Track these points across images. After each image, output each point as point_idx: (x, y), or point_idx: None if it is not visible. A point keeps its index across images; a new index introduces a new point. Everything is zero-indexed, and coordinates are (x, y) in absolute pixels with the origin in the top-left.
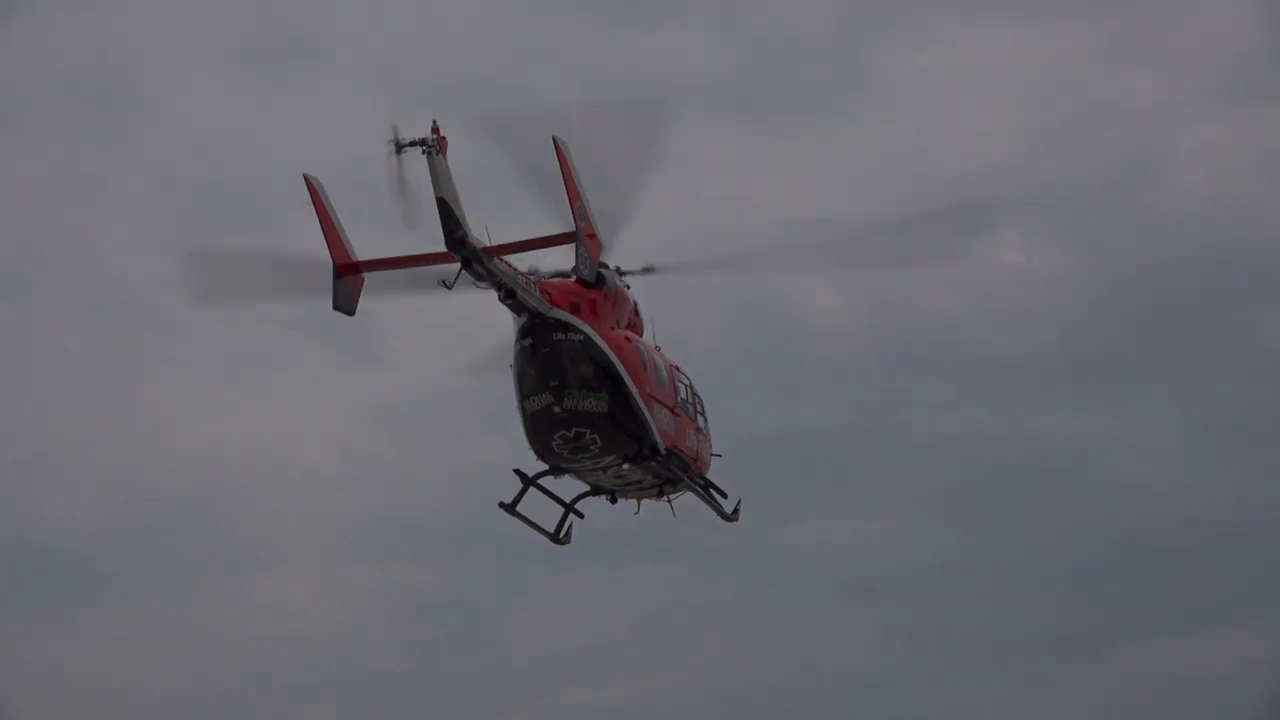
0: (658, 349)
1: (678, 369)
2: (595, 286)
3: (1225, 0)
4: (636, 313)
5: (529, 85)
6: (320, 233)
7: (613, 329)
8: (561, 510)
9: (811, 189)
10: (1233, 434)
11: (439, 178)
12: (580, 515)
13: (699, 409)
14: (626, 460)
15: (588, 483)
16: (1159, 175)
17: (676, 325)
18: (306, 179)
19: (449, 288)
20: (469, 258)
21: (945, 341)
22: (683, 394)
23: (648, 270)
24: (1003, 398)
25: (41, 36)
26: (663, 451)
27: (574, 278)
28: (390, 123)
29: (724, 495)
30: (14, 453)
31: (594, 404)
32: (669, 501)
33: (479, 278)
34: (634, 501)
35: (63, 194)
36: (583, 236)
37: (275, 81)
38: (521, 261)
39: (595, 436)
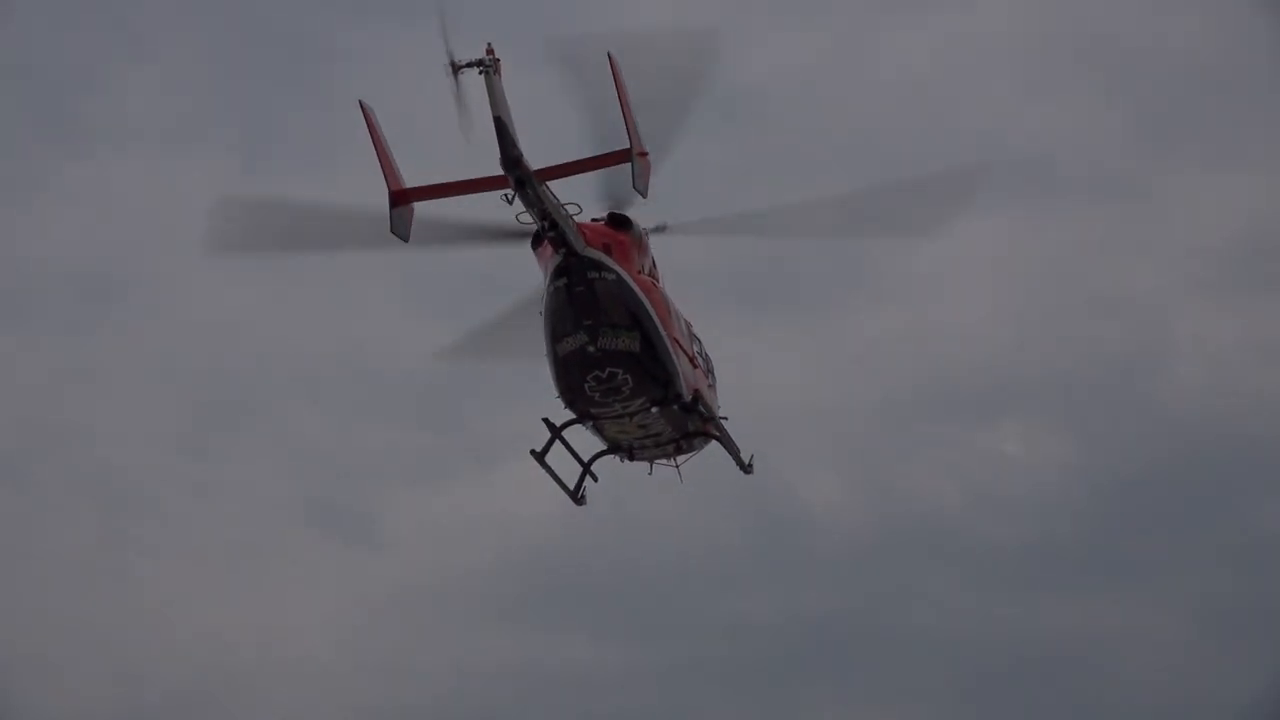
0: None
1: (691, 325)
2: (622, 228)
3: (1222, 190)
4: (655, 265)
5: None
6: (375, 161)
7: (639, 273)
8: (578, 470)
9: (811, 379)
10: (1237, 624)
11: (495, 97)
12: (595, 478)
13: (709, 368)
14: (654, 404)
15: (608, 436)
16: (1159, 365)
17: (678, 513)
18: (361, 105)
19: (509, 202)
20: (522, 179)
21: (946, 532)
22: (697, 347)
23: (660, 229)
24: (1005, 588)
25: (40, 229)
26: (688, 397)
27: (609, 220)
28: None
29: (739, 450)
30: (13, 645)
31: (627, 343)
32: (677, 466)
33: (529, 203)
34: (646, 465)
35: (61, 386)
36: (636, 154)
37: (274, 271)
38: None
39: (628, 377)
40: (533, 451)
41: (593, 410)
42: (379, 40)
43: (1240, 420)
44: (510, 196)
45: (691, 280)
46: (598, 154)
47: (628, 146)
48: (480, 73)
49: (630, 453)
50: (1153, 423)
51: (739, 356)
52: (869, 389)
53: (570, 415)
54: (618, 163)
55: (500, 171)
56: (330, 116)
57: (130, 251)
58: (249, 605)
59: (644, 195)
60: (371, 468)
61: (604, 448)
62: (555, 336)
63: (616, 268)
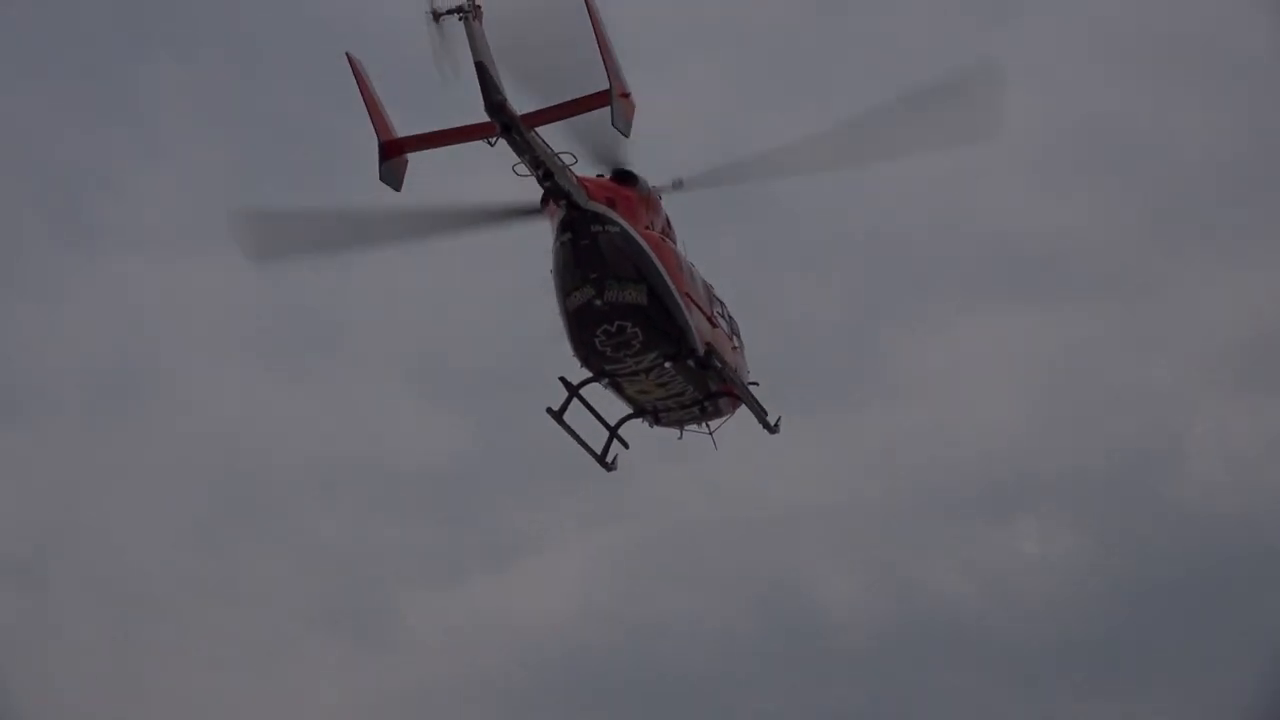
0: (694, 265)
1: (713, 288)
2: (627, 184)
3: (1237, 286)
4: (669, 224)
5: None
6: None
7: (647, 229)
8: (604, 434)
9: (826, 474)
10: None
11: (476, 43)
12: (625, 444)
13: (734, 329)
14: (667, 359)
15: (629, 397)
16: (1175, 462)
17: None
18: (349, 57)
19: (491, 144)
20: (508, 124)
21: (962, 629)
22: (719, 309)
23: (677, 185)
24: (1023, 687)
25: (55, 329)
26: (701, 351)
27: (614, 175)
28: None
29: (766, 413)
30: None
31: (635, 295)
32: (710, 432)
33: (519, 150)
34: (675, 430)
35: (76, 485)
36: (616, 94)
37: (290, 371)
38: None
39: (637, 330)
40: (550, 410)
41: (607, 367)
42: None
43: (1258, 517)
44: (494, 140)
45: None
46: (578, 96)
47: (607, 88)
48: (460, 19)
49: (656, 415)
50: (1169, 520)
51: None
52: (884, 485)
53: (587, 374)
54: (600, 104)
55: (488, 119)
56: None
57: (144, 351)
58: (263, 705)
59: (625, 135)
60: (386, 566)
61: (628, 411)
62: (563, 291)
63: (620, 220)
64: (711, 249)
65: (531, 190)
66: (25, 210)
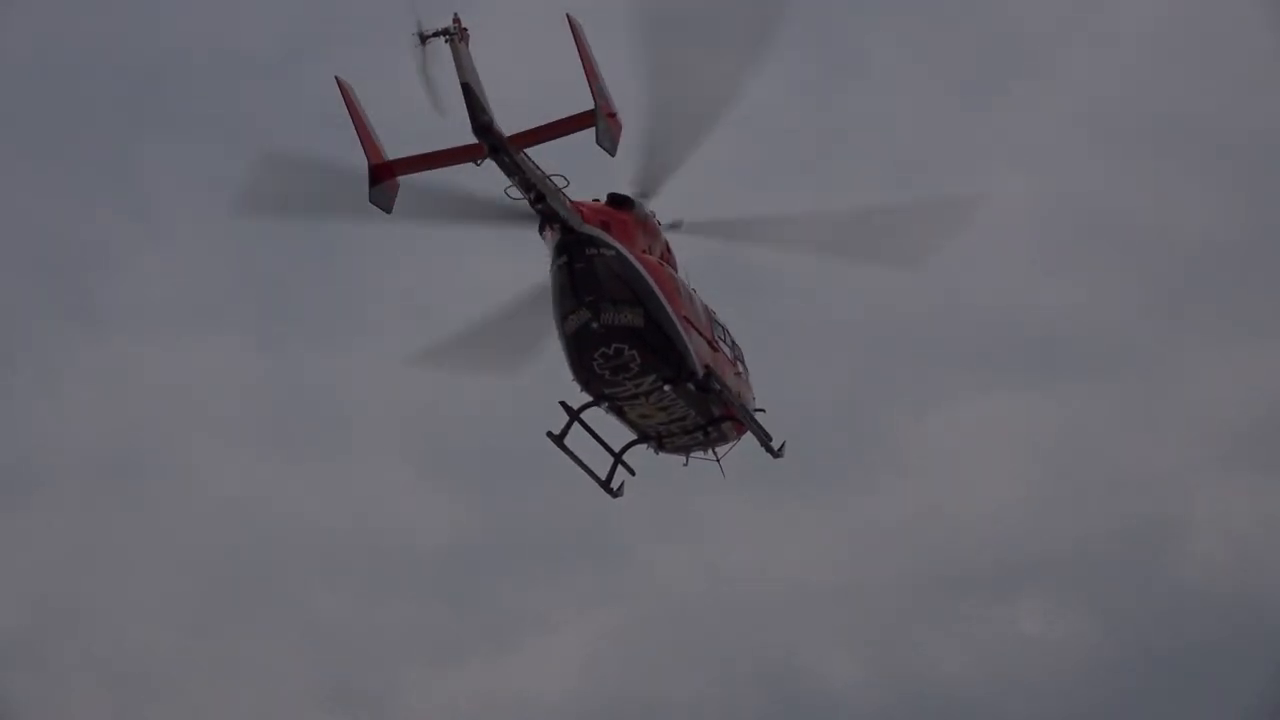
0: (695, 290)
1: (715, 314)
2: (623, 208)
3: (1239, 365)
4: (669, 250)
5: None
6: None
7: (644, 253)
8: (609, 460)
9: (827, 555)
10: None
11: (462, 64)
12: (631, 471)
13: (738, 355)
14: (666, 381)
15: (631, 422)
16: (1178, 542)
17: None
18: (339, 81)
19: (477, 165)
20: (495, 145)
21: (966, 709)
22: (720, 334)
23: (675, 225)
24: None
25: (57, 411)
26: (700, 373)
27: (609, 199)
28: (414, 17)
29: (769, 438)
30: None
31: (630, 318)
32: (718, 460)
33: (508, 171)
34: (680, 457)
35: (77, 566)
36: (602, 112)
37: (293, 450)
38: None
39: (634, 353)
40: (550, 434)
41: (606, 390)
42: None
43: (1262, 597)
44: (480, 161)
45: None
46: (564, 116)
47: (593, 107)
48: (446, 41)
49: (660, 441)
50: (1173, 600)
51: (755, 534)
52: (886, 564)
53: (587, 399)
54: (586, 124)
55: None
56: (345, 294)
57: (147, 431)
58: None
59: (611, 153)
60: (389, 647)
61: (633, 438)
62: (561, 315)
63: (615, 244)
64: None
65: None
66: (29, 289)
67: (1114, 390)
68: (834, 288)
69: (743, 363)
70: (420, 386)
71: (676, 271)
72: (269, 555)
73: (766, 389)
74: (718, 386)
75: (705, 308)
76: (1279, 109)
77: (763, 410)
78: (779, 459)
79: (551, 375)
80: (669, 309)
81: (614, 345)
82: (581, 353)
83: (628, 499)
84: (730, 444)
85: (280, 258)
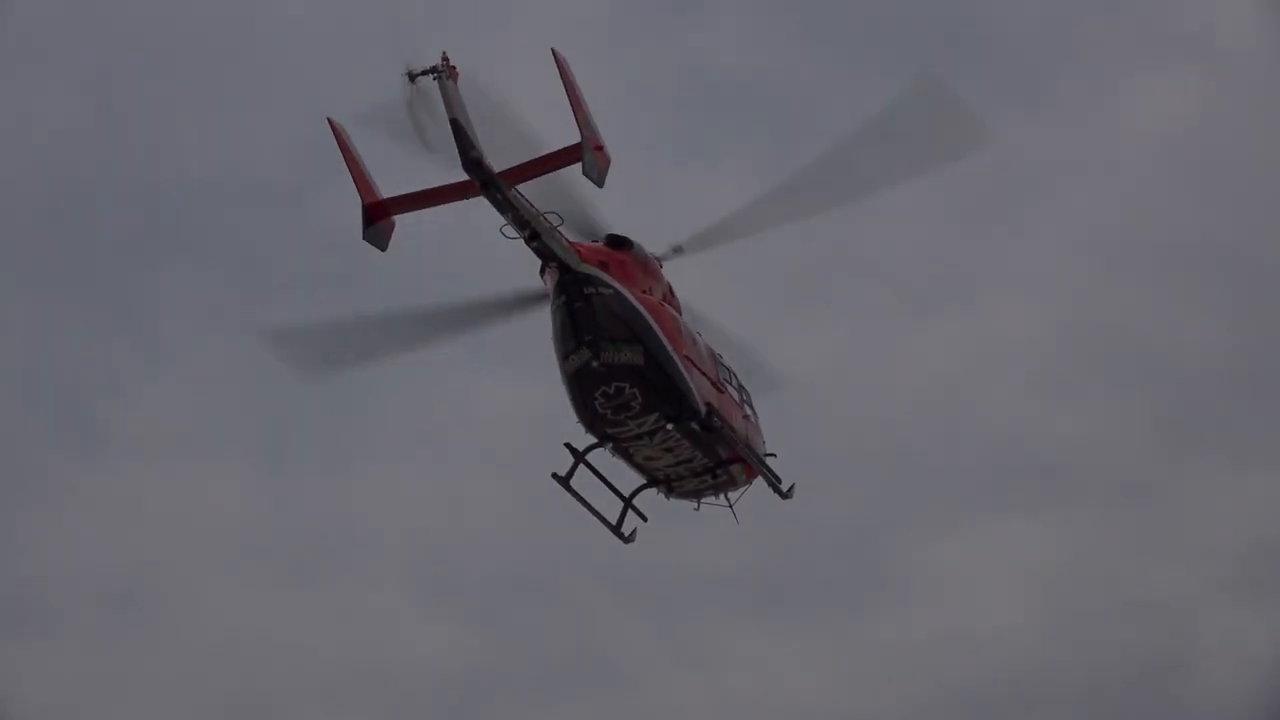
0: (699, 334)
1: (721, 357)
2: (622, 249)
3: (1246, 490)
4: (672, 293)
5: None
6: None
7: (645, 293)
8: (619, 506)
9: (838, 683)
10: None
11: (451, 100)
12: (643, 517)
13: (746, 399)
14: (669, 420)
15: (639, 465)
16: (1187, 670)
17: None
18: (330, 122)
19: (467, 197)
20: (486, 181)
21: None
22: (725, 375)
23: (677, 251)
24: None
25: (61, 539)
26: (702, 411)
27: (608, 240)
28: (402, 58)
29: (779, 480)
30: None
31: (630, 356)
32: (730, 505)
33: (501, 208)
34: (691, 501)
35: (82, 696)
36: (589, 145)
37: (297, 580)
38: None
39: (635, 391)
40: (555, 475)
41: (609, 431)
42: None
43: None
44: (469, 195)
45: (716, 585)
46: (552, 150)
47: (579, 141)
48: (434, 79)
49: (669, 485)
50: None
51: (761, 660)
52: (893, 692)
53: (592, 440)
54: (574, 157)
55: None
56: (352, 422)
57: (151, 560)
58: None
59: (598, 184)
60: None
61: (642, 482)
62: (562, 355)
63: (614, 283)
64: None
65: (530, 268)
66: (35, 417)
67: (1121, 517)
68: (841, 415)
69: (751, 407)
70: (427, 514)
71: (679, 314)
72: (275, 685)
73: (774, 514)
74: (719, 423)
75: (710, 350)
76: None
77: (774, 455)
78: (788, 500)
79: (551, 503)
80: (669, 347)
81: (615, 384)
82: (583, 392)
83: (633, 615)
84: (742, 488)
85: (286, 385)
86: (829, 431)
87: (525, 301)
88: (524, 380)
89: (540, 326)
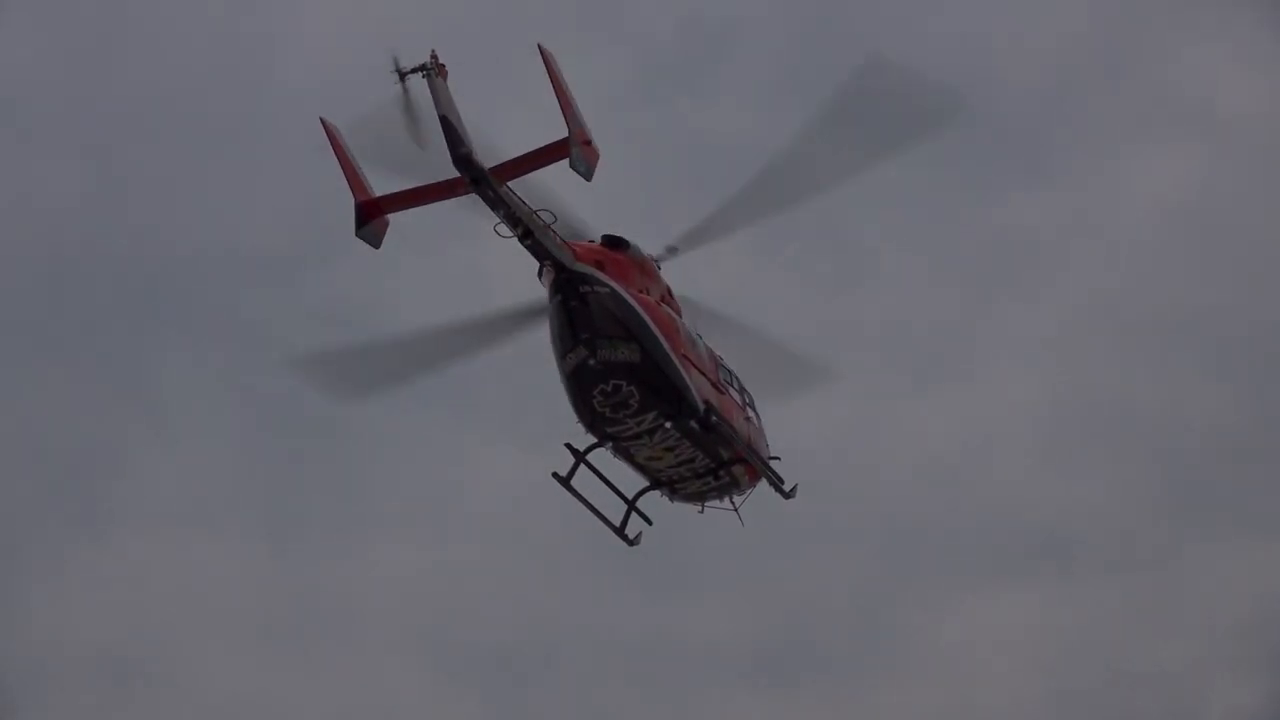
0: (700, 336)
1: (723, 360)
2: (618, 248)
3: (1248, 560)
4: (671, 294)
5: None
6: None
7: (641, 293)
8: (623, 509)
9: None
10: None
11: (440, 97)
12: (648, 521)
13: (749, 401)
14: (667, 418)
15: (640, 465)
16: None
17: None
18: (323, 122)
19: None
20: (477, 177)
21: None
22: (726, 376)
23: (672, 251)
24: None
25: (61, 612)
26: (701, 408)
27: (604, 240)
28: (391, 53)
29: (781, 480)
30: None
31: (627, 354)
32: (736, 509)
33: (492, 205)
34: (695, 505)
35: None
36: (576, 140)
37: (301, 654)
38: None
39: (632, 389)
40: (555, 474)
41: (609, 430)
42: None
43: None
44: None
45: (720, 658)
46: (540, 146)
47: (567, 135)
48: (424, 76)
49: (672, 487)
50: None
51: None
52: None
53: (592, 440)
54: (562, 153)
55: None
56: (354, 494)
57: (152, 633)
58: None
59: (586, 178)
60: None
61: (645, 484)
62: (560, 354)
63: (609, 281)
64: (727, 526)
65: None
66: (34, 488)
67: (1125, 586)
68: (845, 486)
69: (754, 409)
70: (427, 585)
71: (679, 315)
72: None
73: (780, 586)
74: (717, 421)
75: (711, 352)
76: None
77: (778, 458)
78: (790, 499)
79: (552, 573)
80: (665, 345)
81: (612, 382)
82: (581, 391)
83: (635, 687)
84: (746, 491)
85: (289, 457)
86: (830, 502)
87: (530, 314)
88: (527, 451)
89: (545, 394)
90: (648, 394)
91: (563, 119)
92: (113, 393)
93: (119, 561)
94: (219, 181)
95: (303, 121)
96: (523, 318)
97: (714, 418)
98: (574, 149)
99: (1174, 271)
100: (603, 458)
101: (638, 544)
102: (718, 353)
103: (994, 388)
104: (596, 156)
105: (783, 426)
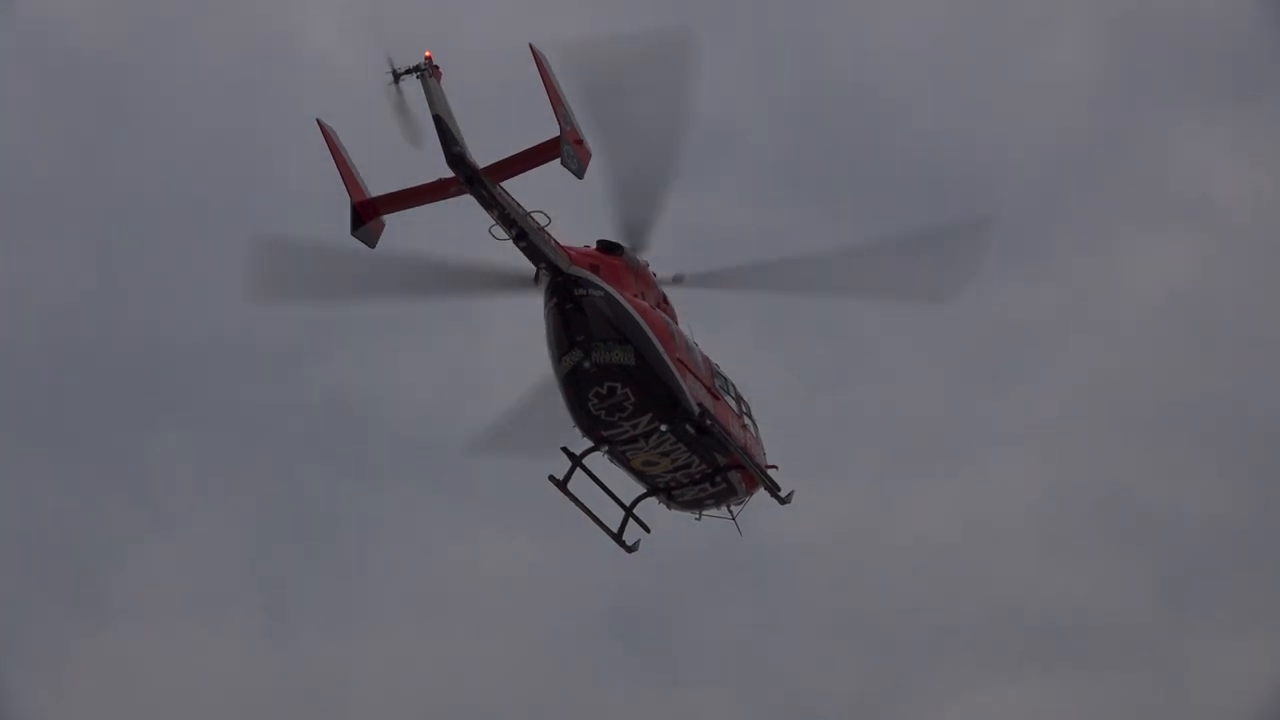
0: (696, 344)
1: (719, 367)
2: (613, 254)
3: (1250, 656)
4: (666, 301)
5: None
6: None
7: (636, 297)
8: (620, 515)
9: None
10: None
11: (433, 97)
12: (646, 528)
13: (745, 409)
14: (662, 421)
15: (637, 471)
16: None
17: None
18: (320, 123)
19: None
20: (470, 177)
21: None
22: (722, 384)
23: (677, 280)
24: None
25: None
26: (695, 411)
27: (599, 245)
28: (386, 54)
29: (778, 486)
30: None
31: (622, 357)
32: (733, 517)
33: (486, 205)
34: (692, 513)
35: None
36: (568, 139)
37: None
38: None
39: (627, 391)
40: (552, 477)
41: (605, 433)
42: (390, 506)
43: None
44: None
45: None
46: (532, 145)
47: (558, 134)
48: (418, 77)
49: (669, 494)
50: None
51: None
52: None
53: (589, 444)
54: (554, 152)
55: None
56: (353, 582)
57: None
58: None
59: (578, 176)
60: None
61: (642, 490)
62: (556, 357)
63: (604, 285)
64: (728, 616)
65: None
66: (34, 578)
67: (1125, 680)
68: (845, 575)
69: (750, 417)
70: (427, 675)
71: (675, 322)
72: None
73: (779, 679)
74: (712, 424)
75: (706, 359)
76: None
77: (775, 467)
78: (786, 505)
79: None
80: (660, 348)
81: (607, 384)
82: (577, 393)
83: None
84: (744, 500)
85: (287, 546)
86: (834, 592)
87: (510, 281)
88: (528, 539)
89: (542, 495)
90: (643, 397)
91: (554, 119)
92: (112, 484)
93: (120, 653)
94: (218, 274)
95: (301, 212)
96: (502, 281)
97: (709, 421)
98: (565, 147)
99: (1171, 361)
100: (601, 466)
101: (635, 550)
102: (715, 362)
103: (991, 477)
104: (589, 155)
105: (780, 517)
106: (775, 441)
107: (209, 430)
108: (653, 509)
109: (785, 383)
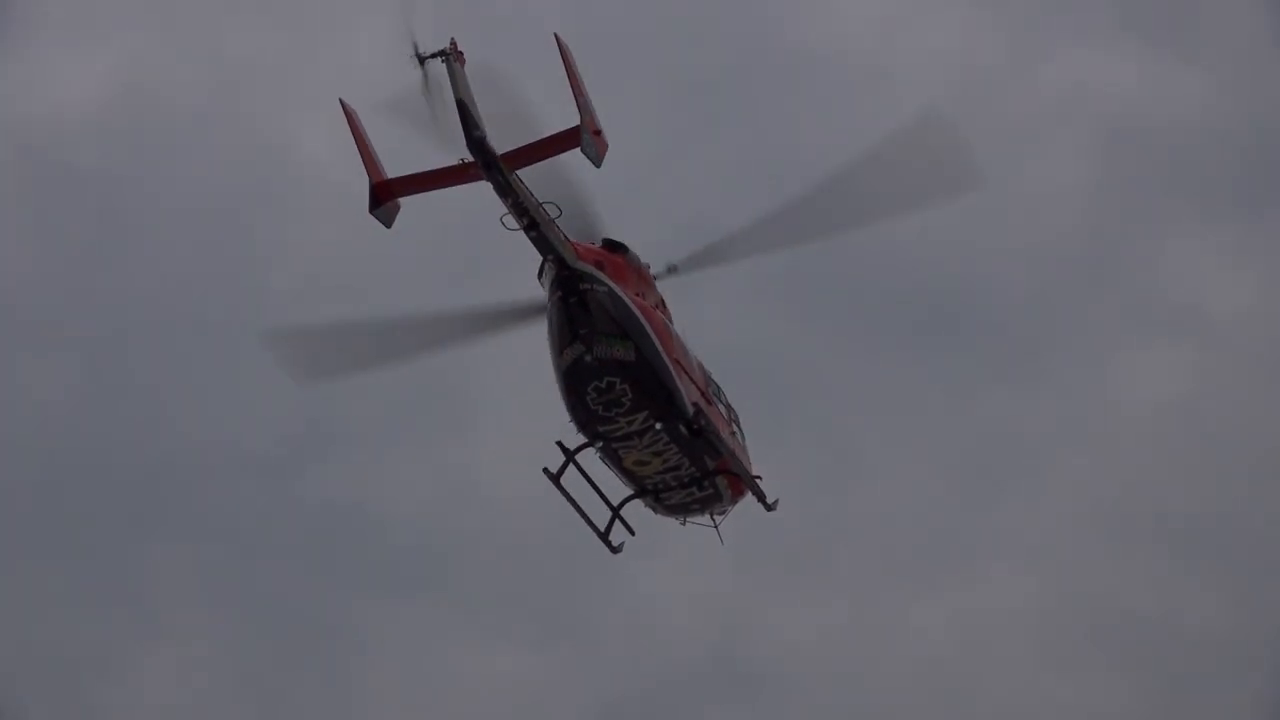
0: (692, 350)
1: (711, 374)
2: (617, 252)
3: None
4: (665, 306)
5: None
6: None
7: (638, 296)
8: (608, 515)
9: None
10: None
11: (457, 82)
12: (631, 531)
13: (734, 418)
14: (658, 419)
15: (627, 470)
16: None
17: None
18: (342, 103)
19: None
20: (488, 161)
21: None
22: (714, 390)
23: (672, 270)
24: None
25: None
26: (690, 412)
27: (604, 244)
28: (410, 39)
29: (764, 494)
30: None
31: (622, 351)
32: (716, 525)
33: (502, 192)
34: (677, 518)
35: None
36: (587, 129)
37: None
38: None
39: (626, 387)
40: (546, 471)
41: (600, 429)
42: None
43: None
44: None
45: None
46: (551, 133)
47: (578, 124)
48: (442, 61)
49: (657, 496)
50: None
51: None
52: None
53: (583, 440)
54: (573, 141)
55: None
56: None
57: None
58: None
59: (596, 164)
60: None
61: (630, 492)
62: (557, 350)
63: (608, 281)
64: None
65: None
66: (26, 693)
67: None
68: (834, 672)
69: (739, 426)
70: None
71: (671, 324)
72: None
73: None
74: (705, 425)
75: (701, 365)
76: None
77: (760, 477)
78: (772, 511)
79: None
80: (660, 348)
81: (606, 379)
82: (576, 386)
83: None
84: (728, 508)
85: (283, 659)
86: (824, 688)
87: (525, 313)
88: (526, 651)
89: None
90: (640, 393)
91: (576, 109)
92: (105, 593)
93: None
94: (213, 380)
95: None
96: (518, 315)
97: (702, 422)
98: (585, 135)
99: (1166, 474)
100: (593, 465)
101: (620, 552)
102: (709, 369)
103: (985, 591)
104: (606, 147)
105: (777, 629)
106: (769, 552)
107: (204, 538)
108: (640, 515)
109: (773, 488)
